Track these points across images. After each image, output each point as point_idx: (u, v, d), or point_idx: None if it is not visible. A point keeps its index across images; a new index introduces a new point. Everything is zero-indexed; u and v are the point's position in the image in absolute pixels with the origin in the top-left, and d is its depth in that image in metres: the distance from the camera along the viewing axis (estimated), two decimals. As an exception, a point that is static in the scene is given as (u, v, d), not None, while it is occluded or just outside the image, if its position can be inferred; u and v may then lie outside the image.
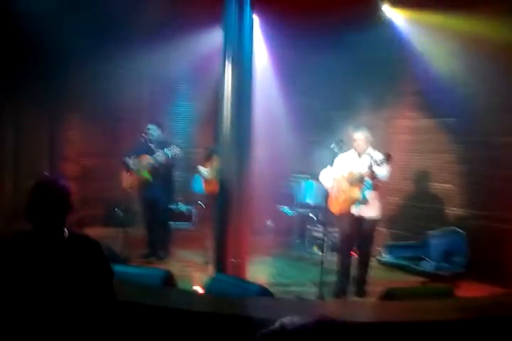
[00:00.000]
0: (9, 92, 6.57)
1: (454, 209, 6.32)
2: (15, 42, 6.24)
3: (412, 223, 6.69)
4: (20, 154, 6.88)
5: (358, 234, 5.25)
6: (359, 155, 5.22)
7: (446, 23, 5.95)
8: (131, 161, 6.19)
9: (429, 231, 6.20)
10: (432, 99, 6.47)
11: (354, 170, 5.10)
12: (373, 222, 5.25)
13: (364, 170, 4.97)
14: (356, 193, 5.05)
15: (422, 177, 6.67)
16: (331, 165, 5.13)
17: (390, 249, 6.58)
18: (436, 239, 6.05)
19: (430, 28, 6.23)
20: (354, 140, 5.22)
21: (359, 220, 5.16)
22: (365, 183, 5.04)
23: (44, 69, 6.82)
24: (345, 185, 5.13)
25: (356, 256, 5.39)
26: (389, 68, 6.77)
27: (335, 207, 5.18)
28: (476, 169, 6.05)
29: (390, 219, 6.79)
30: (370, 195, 5.11)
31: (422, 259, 6.02)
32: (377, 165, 4.86)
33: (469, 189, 6.17)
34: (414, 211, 6.75)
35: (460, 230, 5.95)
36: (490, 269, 5.38)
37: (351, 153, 5.27)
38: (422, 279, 5.73)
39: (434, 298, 3.64)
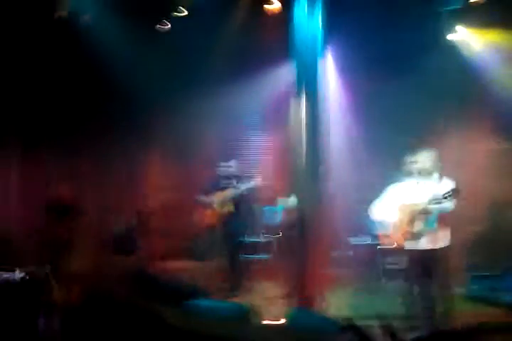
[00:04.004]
0: (90, 129, 7.00)
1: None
2: (100, 85, 6.68)
3: (493, 253, 6.41)
4: (102, 189, 7.22)
5: (431, 266, 5.02)
6: (421, 176, 4.99)
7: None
8: (208, 197, 6.37)
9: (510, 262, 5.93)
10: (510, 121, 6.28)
11: (419, 203, 4.88)
12: (441, 253, 4.96)
13: (427, 202, 4.78)
14: (419, 227, 4.86)
15: (502, 205, 6.42)
16: (391, 195, 5.03)
17: (472, 280, 6.31)
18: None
19: (504, 49, 6.11)
20: (415, 162, 5.01)
21: (426, 252, 4.93)
22: (428, 216, 4.83)
23: (125, 108, 7.21)
24: (406, 218, 4.91)
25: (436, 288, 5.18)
26: (463, 91, 6.66)
27: (398, 241, 4.97)
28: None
29: (470, 249, 6.53)
30: (435, 227, 4.87)
31: (503, 291, 5.75)
32: (443, 199, 4.67)
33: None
34: (494, 240, 6.47)
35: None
36: None
37: (413, 181, 5.03)
38: (507, 311, 5.44)
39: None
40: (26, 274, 3.01)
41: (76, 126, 6.89)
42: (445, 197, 4.65)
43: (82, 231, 6.47)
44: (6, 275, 2.98)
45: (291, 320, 3.76)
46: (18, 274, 3.08)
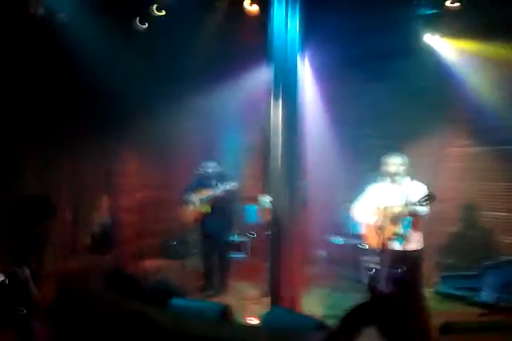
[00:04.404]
0: (66, 128, 6.97)
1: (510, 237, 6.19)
2: (77, 84, 6.65)
3: (468, 253, 6.56)
4: (78, 188, 7.18)
5: (404, 267, 5.16)
6: (393, 181, 5.13)
7: (496, 51, 5.97)
8: (190, 195, 6.41)
9: (486, 262, 6.07)
10: (483, 126, 6.43)
11: (392, 206, 5.02)
12: (417, 254, 5.12)
13: (403, 206, 4.91)
14: (397, 230, 4.97)
15: (476, 206, 6.57)
16: (365, 197, 5.14)
17: (446, 279, 6.45)
18: (494, 269, 5.91)
19: (478, 56, 6.25)
20: (387, 164, 5.14)
21: (401, 254, 5.04)
22: (404, 220, 4.95)
23: (103, 107, 7.18)
24: (385, 221, 5.02)
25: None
26: (437, 96, 6.76)
27: (373, 242, 5.08)
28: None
29: (444, 249, 6.68)
30: (410, 229, 5.00)
31: (479, 290, 5.89)
32: (418, 205, 4.79)
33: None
34: (469, 241, 6.62)
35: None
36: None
37: (387, 184, 5.17)
38: (481, 311, 5.59)
39: (494, 332, 3.56)
40: (7, 276, 3.01)
41: (54, 124, 6.82)
42: (421, 202, 4.76)
43: (57, 230, 6.42)
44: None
45: (267, 319, 3.82)
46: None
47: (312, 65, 7.03)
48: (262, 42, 5.34)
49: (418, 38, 6.68)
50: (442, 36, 6.60)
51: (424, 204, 4.77)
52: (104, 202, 7.58)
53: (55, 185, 7.00)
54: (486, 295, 5.78)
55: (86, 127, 7.21)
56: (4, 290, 2.64)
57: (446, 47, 6.62)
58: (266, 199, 6.69)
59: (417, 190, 5.02)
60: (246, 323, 4.56)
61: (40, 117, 6.68)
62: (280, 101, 5.23)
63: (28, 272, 3.47)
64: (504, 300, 5.61)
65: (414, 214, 4.93)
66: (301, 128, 5.41)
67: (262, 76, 6.23)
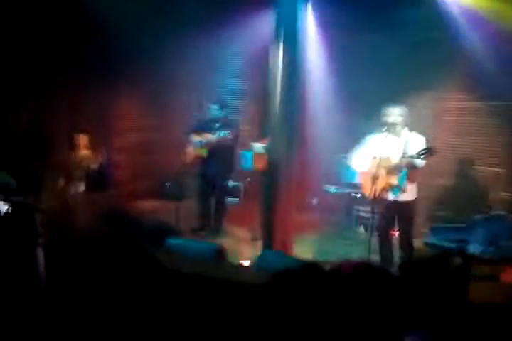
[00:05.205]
0: (65, 67, 6.87)
1: (503, 193, 6.27)
2: (78, 27, 6.53)
3: (459, 206, 6.66)
4: (74, 127, 7.16)
5: (397, 217, 5.28)
6: (391, 131, 5.11)
7: (504, 4, 5.84)
8: (190, 137, 6.43)
9: (476, 215, 6.18)
10: (482, 81, 6.36)
11: (389, 157, 5.06)
12: (410, 204, 5.22)
13: (400, 156, 4.95)
14: (393, 180, 5.04)
15: (469, 160, 6.62)
16: (364, 146, 5.18)
17: (436, 231, 6.57)
18: (483, 223, 6.02)
19: (485, 8, 6.10)
20: (386, 114, 5.11)
21: (395, 204, 5.15)
22: (401, 171, 5.01)
23: (104, 46, 7.06)
24: (381, 171, 5.05)
25: (398, 237, 5.44)
26: (438, 49, 6.65)
27: (370, 192, 5.09)
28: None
29: (436, 201, 6.78)
30: (406, 180, 5.07)
31: (467, 242, 6.02)
32: (416, 157, 4.82)
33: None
34: (460, 194, 6.71)
35: (509, 214, 5.92)
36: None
37: (386, 135, 5.12)
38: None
39: (478, 280, 3.68)
40: (11, 206, 3.07)
41: (54, 67, 6.74)
42: (419, 155, 4.79)
43: (56, 167, 6.46)
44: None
45: (259, 261, 3.93)
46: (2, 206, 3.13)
47: (316, 14, 6.89)
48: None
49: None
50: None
51: (422, 157, 4.81)
52: (104, 141, 7.58)
53: (52, 122, 6.97)
54: (473, 248, 5.92)
55: (86, 67, 7.10)
56: (8, 219, 2.70)
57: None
58: (259, 146, 6.71)
59: (416, 142, 5.05)
60: (238, 264, 4.68)
61: (42, 56, 6.57)
62: (281, 48, 5.17)
63: (31, 202, 3.54)
64: (490, 253, 5.75)
65: (411, 166, 4.97)
66: (302, 76, 5.37)
67: (265, 20, 6.12)
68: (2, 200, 3.11)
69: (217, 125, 6.39)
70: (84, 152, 6.71)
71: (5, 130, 6.07)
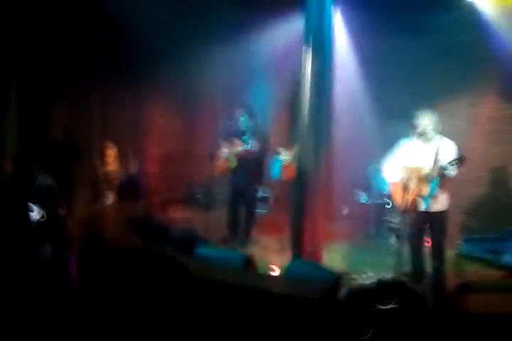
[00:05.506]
0: (98, 77, 7.00)
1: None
2: (105, 32, 6.64)
3: (493, 216, 6.53)
4: (107, 138, 7.27)
5: (429, 228, 5.16)
6: (423, 139, 5.03)
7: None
8: (220, 148, 6.48)
9: (510, 225, 6.05)
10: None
11: (421, 166, 4.98)
12: (442, 215, 5.10)
13: (432, 166, 4.86)
14: (424, 190, 4.95)
15: (504, 169, 6.50)
16: (395, 156, 5.12)
17: (469, 241, 6.45)
18: (518, 233, 5.90)
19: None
20: (418, 122, 5.02)
21: (427, 214, 5.04)
22: (433, 180, 4.91)
23: (134, 56, 7.18)
24: (412, 181, 5.00)
25: (430, 248, 5.32)
26: (472, 53, 6.55)
27: (401, 202, 5.05)
28: None
29: (470, 211, 6.66)
30: (438, 190, 4.96)
31: (501, 253, 5.89)
32: (448, 166, 4.73)
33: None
34: (495, 204, 6.58)
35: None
36: None
37: (417, 143, 5.07)
38: (502, 273, 5.61)
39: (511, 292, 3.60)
40: (46, 214, 3.14)
41: (81, 74, 6.87)
42: (452, 165, 4.71)
43: (87, 176, 6.58)
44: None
45: (288, 270, 3.92)
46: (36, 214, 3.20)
47: (346, 18, 6.87)
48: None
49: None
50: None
51: (454, 166, 4.73)
52: (136, 150, 7.69)
53: (84, 134, 7.11)
54: (507, 258, 5.79)
55: (118, 78, 7.23)
56: (42, 227, 2.76)
57: (486, 2, 6.36)
58: (285, 155, 6.71)
59: (448, 150, 4.96)
60: (267, 273, 4.67)
61: (74, 66, 6.71)
62: (310, 53, 5.16)
63: (65, 211, 3.61)
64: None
65: (443, 176, 4.89)
66: (331, 82, 5.35)
67: (295, 25, 6.11)
68: (39, 207, 3.18)
69: (246, 135, 6.42)
70: (114, 163, 6.81)
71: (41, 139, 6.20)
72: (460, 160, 4.70)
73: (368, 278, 1.49)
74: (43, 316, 2.34)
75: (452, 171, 4.81)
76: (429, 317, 1.47)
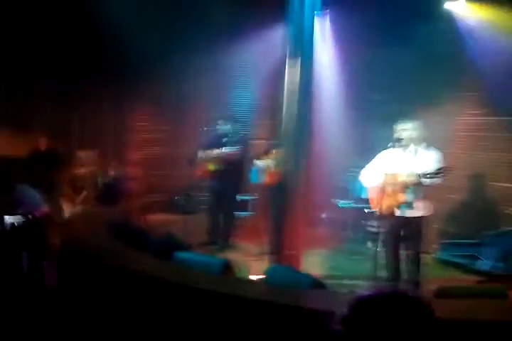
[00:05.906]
0: (78, 83, 6.97)
1: (515, 209, 6.23)
2: (94, 37, 6.62)
3: (470, 222, 6.61)
4: (87, 142, 7.24)
5: (405, 233, 5.20)
6: (404, 147, 5.05)
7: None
8: (201, 152, 6.48)
9: (487, 231, 6.14)
10: (496, 96, 6.35)
11: (400, 173, 4.99)
12: (420, 221, 5.12)
13: (412, 174, 4.88)
14: (400, 197, 4.97)
15: (482, 176, 6.58)
16: (374, 161, 5.16)
17: (446, 246, 6.54)
18: (494, 239, 5.99)
19: (500, 22, 6.12)
20: (399, 130, 5.03)
21: (403, 220, 5.07)
22: (411, 188, 4.93)
23: (115, 63, 7.15)
24: (388, 187, 5.01)
25: (405, 253, 5.36)
26: (452, 63, 6.67)
27: (378, 208, 5.03)
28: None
29: (447, 217, 6.73)
30: (415, 196, 4.99)
31: (477, 258, 5.98)
32: (430, 177, 4.75)
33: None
34: (472, 209, 6.67)
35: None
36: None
37: (397, 150, 5.08)
38: (477, 278, 5.68)
39: (486, 298, 3.64)
40: (22, 219, 3.10)
41: (68, 79, 6.84)
42: (433, 175, 4.75)
43: (67, 181, 6.52)
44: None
45: (267, 275, 3.92)
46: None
47: (331, 27, 6.94)
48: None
49: (439, 3, 6.55)
50: (465, 2, 6.46)
51: (436, 177, 4.76)
52: (115, 155, 7.64)
53: (64, 138, 7.06)
54: (483, 264, 5.87)
55: (101, 81, 7.20)
56: (15, 233, 2.73)
57: (468, 13, 6.48)
58: (265, 160, 6.72)
59: (429, 158, 5.00)
60: (246, 278, 4.67)
61: (56, 71, 6.67)
62: (297, 61, 5.19)
63: (44, 218, 3.57)
64: (500, 269, 5.70)
65: (418, 184, 4.92)
66: (315, 90, 5.38)
67: (280, 34, 6.15)
68: (10, 214, 3.14)
69: (225, 140, 6.43)
70: (91, 167, 6.77)
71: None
72: (443, 172, 4.73)
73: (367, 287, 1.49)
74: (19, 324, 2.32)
75: (433, 181, 4.84)
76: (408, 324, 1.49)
